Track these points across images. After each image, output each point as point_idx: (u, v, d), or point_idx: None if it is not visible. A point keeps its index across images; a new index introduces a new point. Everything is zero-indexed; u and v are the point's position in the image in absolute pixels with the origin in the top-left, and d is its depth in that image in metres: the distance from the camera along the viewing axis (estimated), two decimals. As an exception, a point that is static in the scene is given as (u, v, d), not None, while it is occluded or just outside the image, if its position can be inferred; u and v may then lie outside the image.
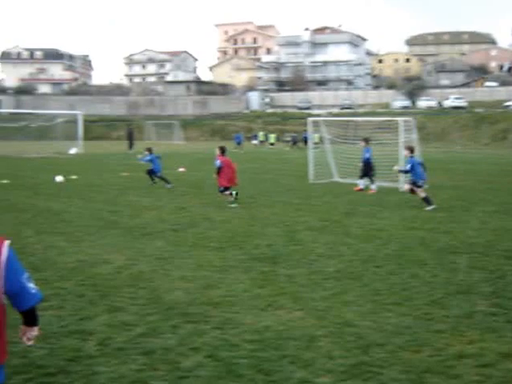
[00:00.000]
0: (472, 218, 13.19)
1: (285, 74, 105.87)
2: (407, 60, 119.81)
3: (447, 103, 74.69)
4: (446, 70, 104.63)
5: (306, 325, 6.20)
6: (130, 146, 46.05)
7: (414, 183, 15.12)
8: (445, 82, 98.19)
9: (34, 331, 3.68)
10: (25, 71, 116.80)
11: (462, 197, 17.16)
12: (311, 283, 7.81)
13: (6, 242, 3.38)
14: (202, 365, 5.24)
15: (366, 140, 19.53)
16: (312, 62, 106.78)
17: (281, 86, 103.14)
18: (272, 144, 55.96)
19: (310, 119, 25.05)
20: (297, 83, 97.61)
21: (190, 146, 54.92)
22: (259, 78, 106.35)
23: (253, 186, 19.68)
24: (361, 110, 72.47)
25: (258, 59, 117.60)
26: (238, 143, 49.94)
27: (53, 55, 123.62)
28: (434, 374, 5.01)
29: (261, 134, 59.44)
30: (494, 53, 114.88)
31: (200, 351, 5.52)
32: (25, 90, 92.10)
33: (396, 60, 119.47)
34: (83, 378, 4.97)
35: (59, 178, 21.74)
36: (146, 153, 20.78)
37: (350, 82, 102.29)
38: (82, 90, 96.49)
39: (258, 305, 6.89)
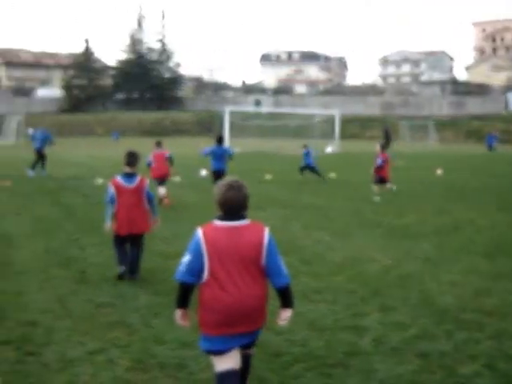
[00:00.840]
0: None
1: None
2: None
3: None
4: None
5: None
6: (386, 144, 45.94)
7: None
8: None
9: (288, 312, 4.22)
10: (283, 72, 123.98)
11: None
12: None
13: (267, 229, 4.14)
14: (480, 374, 5.11)
15: None
16: None
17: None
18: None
19: None
20: None
21: (443, 147, 52.85)
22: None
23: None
24: None
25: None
26: (490, 146, 46.58)
27: (309, 57, 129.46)
28: None
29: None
30: None
31: (477, 359, 5.38)
32: (282, 90, 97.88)
33: None
34: (361, 373, 5.16)
35: (203, 172, 22.10)
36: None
37: None
38: (336, 90, 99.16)
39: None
